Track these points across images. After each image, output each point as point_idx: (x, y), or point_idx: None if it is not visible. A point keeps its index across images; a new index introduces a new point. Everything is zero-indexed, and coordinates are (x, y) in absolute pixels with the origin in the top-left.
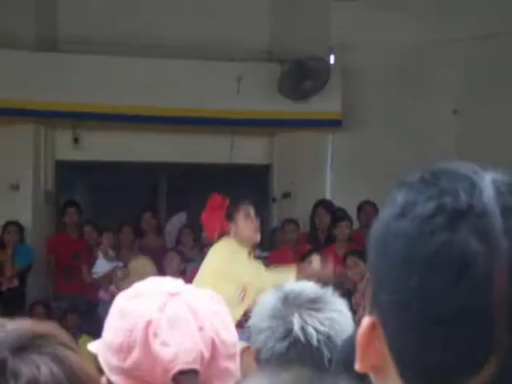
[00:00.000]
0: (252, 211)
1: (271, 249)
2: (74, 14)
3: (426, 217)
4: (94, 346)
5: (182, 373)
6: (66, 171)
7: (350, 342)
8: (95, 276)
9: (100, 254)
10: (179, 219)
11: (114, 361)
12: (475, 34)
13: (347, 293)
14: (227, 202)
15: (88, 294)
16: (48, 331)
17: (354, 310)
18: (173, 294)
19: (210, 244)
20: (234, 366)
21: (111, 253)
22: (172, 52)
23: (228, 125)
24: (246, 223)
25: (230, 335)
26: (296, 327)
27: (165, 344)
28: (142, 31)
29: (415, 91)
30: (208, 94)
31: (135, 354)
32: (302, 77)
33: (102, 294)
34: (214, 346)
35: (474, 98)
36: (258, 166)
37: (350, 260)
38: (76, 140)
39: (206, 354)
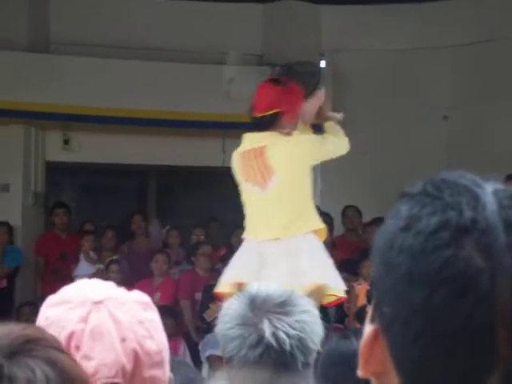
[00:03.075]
0: None
1: None
2: (67, 16)
3: (430, 232)
4: None
5: None
6: (56, 172)
7: (328, 357)
8: (77, 279)
9: (82, 257)
10: (155, 226)
11: None
12: (463, 41)
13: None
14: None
15: None
16: (39, 335)
17: None
18: (96, 303)
19: None
20: (161, 372)
21: (93, 255)
22: (165, 55)
23: (218, 128)
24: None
25: (155, 343)
26: (267, 334)
27: (87, 357)
28: (135, 35)
29: (405, 97)
30: (199, 97)
31: None
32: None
33: None
34: (136, 358)
35: (464, 104)
36: None
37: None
38: (66, 141)
39: (129, 367)
